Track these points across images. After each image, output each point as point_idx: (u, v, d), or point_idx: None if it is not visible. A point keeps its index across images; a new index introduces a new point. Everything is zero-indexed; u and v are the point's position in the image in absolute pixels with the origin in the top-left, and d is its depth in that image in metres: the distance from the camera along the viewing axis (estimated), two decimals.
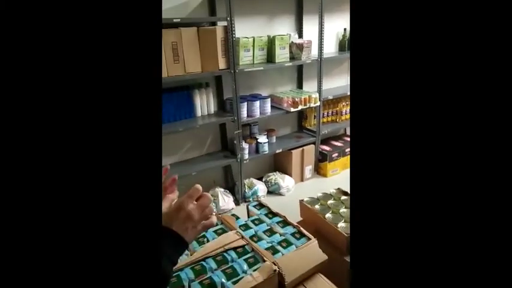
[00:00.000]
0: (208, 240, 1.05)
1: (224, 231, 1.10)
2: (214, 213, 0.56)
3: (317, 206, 1.40)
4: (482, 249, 0.26)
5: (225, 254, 0.98)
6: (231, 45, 1.93)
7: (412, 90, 0.28)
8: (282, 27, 2.38)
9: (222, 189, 2.28)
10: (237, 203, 2.30)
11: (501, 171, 0.25)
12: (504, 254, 0.25)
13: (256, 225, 1.17)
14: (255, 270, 0.92)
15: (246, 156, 2.26)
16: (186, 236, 0.50)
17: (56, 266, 0.28)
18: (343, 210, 1.34)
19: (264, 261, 0.95)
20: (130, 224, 0.30)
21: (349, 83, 2.98)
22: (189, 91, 2.04)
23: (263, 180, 2.48)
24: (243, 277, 0.89)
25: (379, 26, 0.28)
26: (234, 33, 1.94)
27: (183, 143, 2.21)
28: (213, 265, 0.94)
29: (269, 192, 2.43)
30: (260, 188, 2.36)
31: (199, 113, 2.11)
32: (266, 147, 2.33)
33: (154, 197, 0.32)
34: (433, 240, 0.27)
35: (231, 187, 2.38)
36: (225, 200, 2.23)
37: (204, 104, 2.12)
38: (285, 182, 2.44)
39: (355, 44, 0.30)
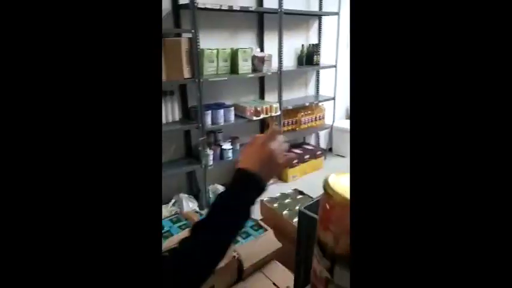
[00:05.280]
0: (172, 235, 1.12)
1: (188, 226, 1.18)
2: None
3: (276, 205, 1.51)
4: (483, 250, 0.25)
5: None
6: (195, 56, 2.03)
7: (414, 92, 0.27)
8: (244, 41, 2.54)
9: (187, 195, 2.32)
10: (201, 208, 2.35)
11: (502, 171, 0.25)
12: (505, 254, 0.24)
13: None
14: None
15: (211, 163, 2.34)
16: (266, 177, 0.51)
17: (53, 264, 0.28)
18: (297, 207, 1.47)
19: None
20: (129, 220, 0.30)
21: (307, 94, 3.20)
22: None
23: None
24: None
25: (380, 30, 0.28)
26: (199, 45, 2.04)
27: None
28: None
29: None
30: None
31: (164, 120, 2.16)
32: (230, 154, 2.43)
33: (154, 197, 0.32)
34: (436, 244, 0.26)
35: (196, 193, 2.44)
36: (190, 206, 2.28)
37: (169, 111, 2.18)
38: None
39: (355, 47, 0.29)
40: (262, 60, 2.43)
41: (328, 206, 0.29)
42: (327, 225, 0.30)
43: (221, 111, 2.33)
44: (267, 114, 2.53)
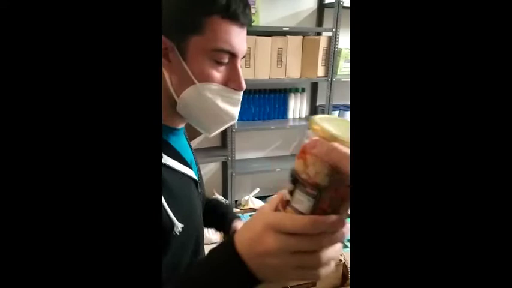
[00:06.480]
0: None
1: None
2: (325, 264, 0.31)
3: None
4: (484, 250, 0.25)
5: None
6: (332, 55, 2.02)
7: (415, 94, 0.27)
8: None
9: None
10: None
11: (502, 172, 0.24)
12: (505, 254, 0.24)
13: None
14: None
15: None
16: (260, 273, 0.32)
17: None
18: None
19: None
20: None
21: None
22: (285, 94, 2.21)
23: None
24: None
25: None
26: (337, 44, 2.03)
27: (272, 141, 2.40)
28: None
29: None
30: None
31: (291, 115, 2.26)
32: None
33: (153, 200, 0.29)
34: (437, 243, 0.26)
35: None
36: None
37: (297, 107, 2.26)
38: None
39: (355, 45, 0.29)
40: None
41: (308, 140, 0.30)
42: (302, 155, 0.30)
43: (348, 113, 2.26)
44: None
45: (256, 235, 0.31)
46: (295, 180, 0.31)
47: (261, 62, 1.95)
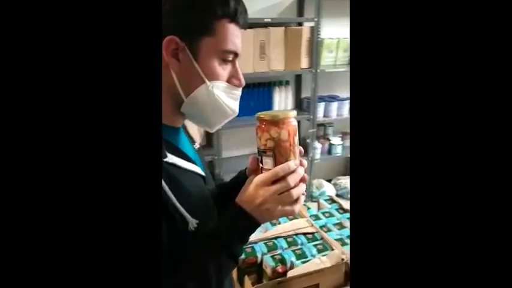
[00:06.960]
0: (280, 223, 1.12)
1: (295, 218, 1.16)
2: (297, 201, 0.49)
3: None
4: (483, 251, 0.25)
5: (295, 236, 1.04)
6: (315, 46, 1.98)
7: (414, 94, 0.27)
8: None
9: None
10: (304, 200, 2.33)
11: (501, 172, 0.25)
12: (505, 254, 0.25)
13: (326, 217, 1.20)
14: (323, 255, 0.95)
15: (318, 156, 2.28)
16: (260, 218, 0.48)
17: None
18: None
19: (333, 249, 0.98)
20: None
21: None
22: (270, 87, 2.15)
23: (332, 182, 2.47)
24: (311, 259, 0.93)
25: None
26: (320, 34, 1.98)
27: None
28: (284, 244, 1.01)
29: (337, 196, 2.40)
30: (328, 189, 2.36)
31: (276, 108, 2.21)
32: (339, 150, 2.32)
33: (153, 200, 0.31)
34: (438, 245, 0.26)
35: None
36: None
37: (282, 101, 2.21)
38: None
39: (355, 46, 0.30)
40: None
41: (258, 124, 0.50)
42: (257, 134, 0.50)
43: (334, 104, 2.23)
44: None
45: (252, 193, 0.48)
46: (260, 152, 0.50)
47: (243, 55, 1.85)
